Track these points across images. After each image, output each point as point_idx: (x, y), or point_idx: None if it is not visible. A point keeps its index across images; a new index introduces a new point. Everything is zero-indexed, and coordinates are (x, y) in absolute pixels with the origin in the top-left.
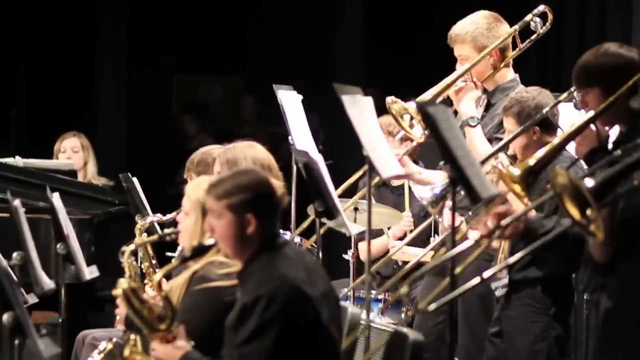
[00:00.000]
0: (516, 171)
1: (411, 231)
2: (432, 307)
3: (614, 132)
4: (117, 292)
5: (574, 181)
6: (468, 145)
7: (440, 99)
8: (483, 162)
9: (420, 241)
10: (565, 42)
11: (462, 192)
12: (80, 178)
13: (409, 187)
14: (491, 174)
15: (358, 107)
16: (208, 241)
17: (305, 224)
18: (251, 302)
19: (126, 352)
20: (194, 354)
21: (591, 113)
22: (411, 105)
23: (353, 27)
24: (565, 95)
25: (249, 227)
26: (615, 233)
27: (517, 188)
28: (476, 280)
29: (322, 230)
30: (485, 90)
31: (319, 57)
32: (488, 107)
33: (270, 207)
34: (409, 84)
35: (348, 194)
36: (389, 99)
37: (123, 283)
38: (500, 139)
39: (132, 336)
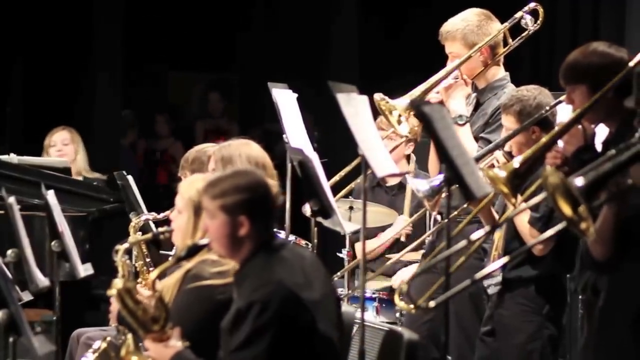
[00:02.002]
0: (502, 173)
1: (407, 236)
2: (432, 304)
3: (604, 131)
4: (112, 292)
5: (565, 180)
6: (463, 145)
7: (429, 95)
8: (479, 159)
9: (416, 239)
10: (557, 41)
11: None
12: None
13: (411, 194)
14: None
15: (353, 105)
16: (202, 240)
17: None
18: (245, 308)
19: (122, 352)
20: (187, 353)
21: (577, 112)
22: (399, 103)
23: (348, 24)
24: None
25: (241, 229)
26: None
27: (505, 189)
28: (468, 282)
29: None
30: (475, 88)
31: (314, 54)
32: (477, 105)
33: (265, 209)
34: (403, 77)
35: (339, 189)
36: (377, 97)
37: (117, 283)
38: (486, 139)
39: (129, 335)
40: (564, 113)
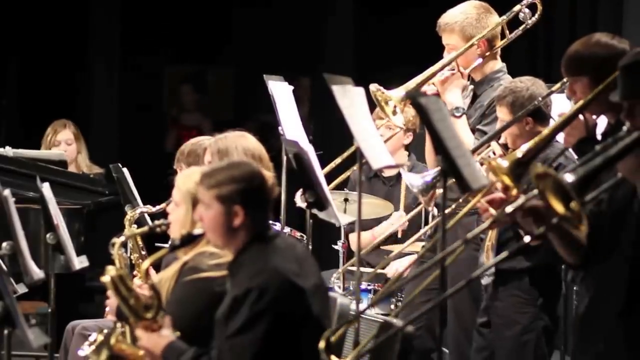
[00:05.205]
0: (504, 163)
1: (403, 232)
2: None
3: (602, 123)
4: (105, 279)
5: (556, 177)
6: (460, 136)
7: (425, 87)
8: (474, 151)
9: (411, 232)
10: (556, 34)
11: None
12: (72, 168)
13: (406, 186)
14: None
15: (349, 97)
16: (197, 230)
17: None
18: (242, 294)
19: (112, 341)
20: (179, 343)
21: (579, 103)
22: (394, 94)
23: (344, 16)
24: (558, 86)
25: (236, 219)
26: (600, 225)
27: (507, 180)
28: (463, 282)
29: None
30: (472, 81)
31: (309, 46)
32: (474, 98)
33: (261, 200)
34: (398, 69)
35: (333, 179)
36: (373, 87)
37: (111, 270)
38: (483, 131)
39: (119, 325)
40: (559, 103)
